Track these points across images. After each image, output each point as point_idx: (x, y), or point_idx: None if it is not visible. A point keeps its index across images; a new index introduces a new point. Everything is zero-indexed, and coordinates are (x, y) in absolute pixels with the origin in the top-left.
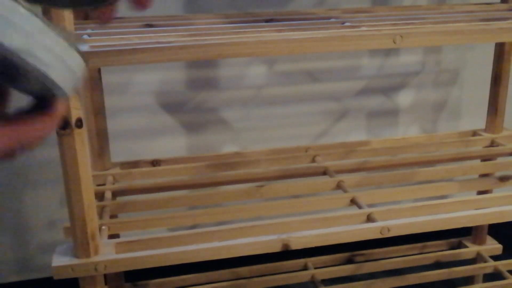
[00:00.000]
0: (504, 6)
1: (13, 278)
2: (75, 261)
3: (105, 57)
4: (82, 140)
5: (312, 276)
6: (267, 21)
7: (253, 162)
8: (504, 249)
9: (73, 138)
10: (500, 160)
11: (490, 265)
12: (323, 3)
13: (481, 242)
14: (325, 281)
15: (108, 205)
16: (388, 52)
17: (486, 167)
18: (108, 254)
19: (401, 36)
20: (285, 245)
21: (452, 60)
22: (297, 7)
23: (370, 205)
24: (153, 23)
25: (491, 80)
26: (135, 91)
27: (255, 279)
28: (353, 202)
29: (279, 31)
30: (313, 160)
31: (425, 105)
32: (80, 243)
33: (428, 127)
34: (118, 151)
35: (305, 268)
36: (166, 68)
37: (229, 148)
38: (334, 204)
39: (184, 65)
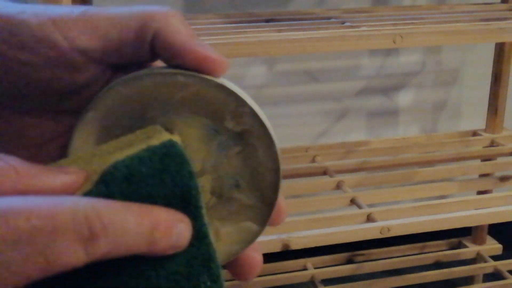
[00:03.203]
0: (504, 6)
1: None
2: None
3: None
4: None
5: (312, 276)
6: (267, 21)
7: None
8: (504, 249)
9: None
10: (500, 160)
11: (490, 265)
12: (323, 3)
13: (481, 242)
14: (325, 281)
15: None
16: (388, 52)
17: (486, 167)
18: None
19: (401, 36)
20: (285, 245)
21: (452, 60)
22: (297, 7)
23: (370, 205)
24: None
25: (491, 80)
26: None
27: (255, 279)
28: (353, 202)
29: (279, 31)
30: (313, 160)
31: (425, 105)
32: None
33: (428, 127)
34: None
35: (305, 268)
36: None
37: None
38: (334, 204)
39: None
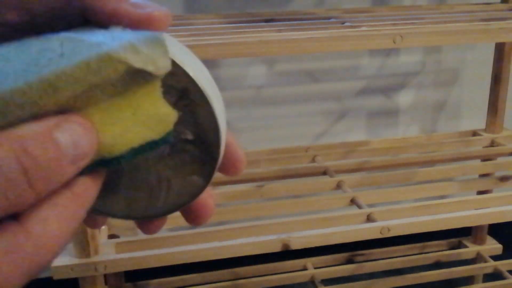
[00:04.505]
0: (504, 6)
1: None
2: (74, 261)
3: None
4: None
5: (312, 276)
6: (267, 21)
7: (253, 162)
8: (504, 249)
9: None
10: (500, 160)
11: (490, 265)
12: (323, 3)
13: (481, 242)
14: (325, 281)
15: None
16: (388, 52)
17: (486, 167)
18: (108, 254)
19: (401, 36)
20: (285, 245)
21: (452, 60)
22: (297, 7)
23: (370, 205)
24: None
25: (491, 80)
26: None
27: (255, 279)
28: (353, 202)
29: (279, 31)
30: (313, 160)
31: (425, 105)
32: (80, 243)
33: (428, 127)
34: None
35: (305, 268)
36: None
37: None
38: (334, 204)
39: None
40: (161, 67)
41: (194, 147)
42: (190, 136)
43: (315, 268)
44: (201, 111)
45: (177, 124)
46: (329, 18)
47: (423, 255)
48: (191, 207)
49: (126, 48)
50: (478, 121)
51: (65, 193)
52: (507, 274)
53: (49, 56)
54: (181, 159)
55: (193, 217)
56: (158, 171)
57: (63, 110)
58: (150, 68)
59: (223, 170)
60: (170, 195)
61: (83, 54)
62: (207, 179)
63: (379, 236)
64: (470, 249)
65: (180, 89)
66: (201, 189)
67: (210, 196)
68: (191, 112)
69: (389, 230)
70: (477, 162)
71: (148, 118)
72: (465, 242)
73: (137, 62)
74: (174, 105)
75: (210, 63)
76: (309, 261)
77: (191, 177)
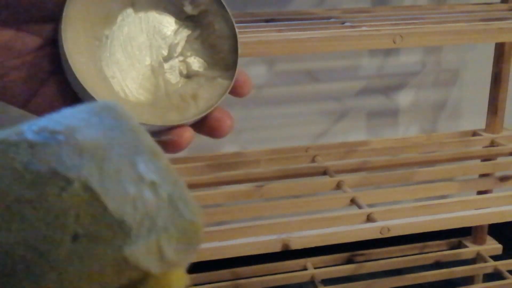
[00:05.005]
0: (504, 6)
1: None
2: None
3: None
4: None
5: (312, 276)
6: (267, 21)
7: (253, 162)
8: (504, 249)
9: None
10: (500, 160)
11: (490, 265)
12: (323, 3)
13: (481, 242)
14: (325, 281)
15: None
16: (388, 52)
17: (486, 167)
18: None
19: (401, 36)
20: (285, 245)
21: (452, 60)
22: (297, 7)
23: (370, 205)
24: None
25: (491, 80)
26: None
27: (255, 279)
28: (353, 202)
29: (279, 31)
30: (313, 160)
31: (425, 105)
32: None
33: (428, 127)
34: None
35: (305, 268)
36: None
37: (229, 148)
38: (334, 204)
39: None
40: (189, 262)
41: (208, 71)
42: (203, 64)
43: (315, 268)
44: (217, 27)
45: (190, 55)
46: (329, 18)
47: (423, 255)
48: (208, 123)
49: (150, 252)
50: (478, 121)
51: None
52: (507, 274)
53: (59, 237)
54: (198, 82)
55: (211, 131)
56: (179, 94)
57: None
58: (173, 271)
59: (234, 92)
60: (199, 102)
61: (98, 244)
62: (230, 80)
63: (379, 236)
64: (470, 249)
65: (196, 16)
66: (226, 89)
67: (227, 115)
68: (204, 39)
69: (389, 230)
70: (477, 162)
71: None
72: (465, 242)
73: (159, 269)
74: (186, 40)
75: None
76: (309, 261)
77: (216, 80)
